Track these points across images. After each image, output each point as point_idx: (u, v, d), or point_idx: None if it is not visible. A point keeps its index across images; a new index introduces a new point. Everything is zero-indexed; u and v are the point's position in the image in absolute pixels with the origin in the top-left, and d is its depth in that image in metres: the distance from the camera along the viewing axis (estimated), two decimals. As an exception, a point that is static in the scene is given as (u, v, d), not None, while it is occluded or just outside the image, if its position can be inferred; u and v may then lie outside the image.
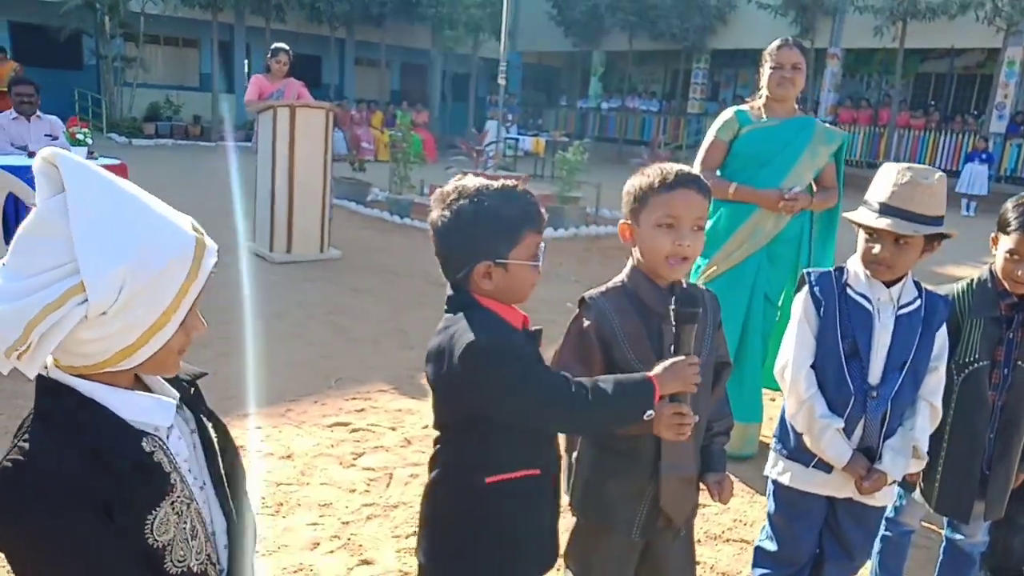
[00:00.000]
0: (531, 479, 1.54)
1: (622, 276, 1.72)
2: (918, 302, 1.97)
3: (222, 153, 15.75)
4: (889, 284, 1.94)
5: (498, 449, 1.51)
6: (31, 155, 5.22)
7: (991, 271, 2.13)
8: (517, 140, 15.51)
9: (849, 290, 1.97)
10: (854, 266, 1.99)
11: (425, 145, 18.26)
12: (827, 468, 1.96)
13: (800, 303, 2.03)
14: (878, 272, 1.92)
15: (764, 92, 3.57)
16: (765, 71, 3.53)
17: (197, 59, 21.23)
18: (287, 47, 7.12)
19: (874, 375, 1.94)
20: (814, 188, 3.70)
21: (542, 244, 1.50)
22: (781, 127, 3.56)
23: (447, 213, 1.45)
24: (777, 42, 3.56)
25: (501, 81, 10.34)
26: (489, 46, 22.60)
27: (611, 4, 21.06)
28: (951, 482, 2.16)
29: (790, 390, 1.99)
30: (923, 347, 1.94)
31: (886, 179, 1.91)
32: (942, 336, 1.98)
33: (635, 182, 1.69)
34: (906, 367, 1.93)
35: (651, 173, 1.67)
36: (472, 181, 1.48)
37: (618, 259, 1.72)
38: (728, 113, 3.69)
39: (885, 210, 1.89)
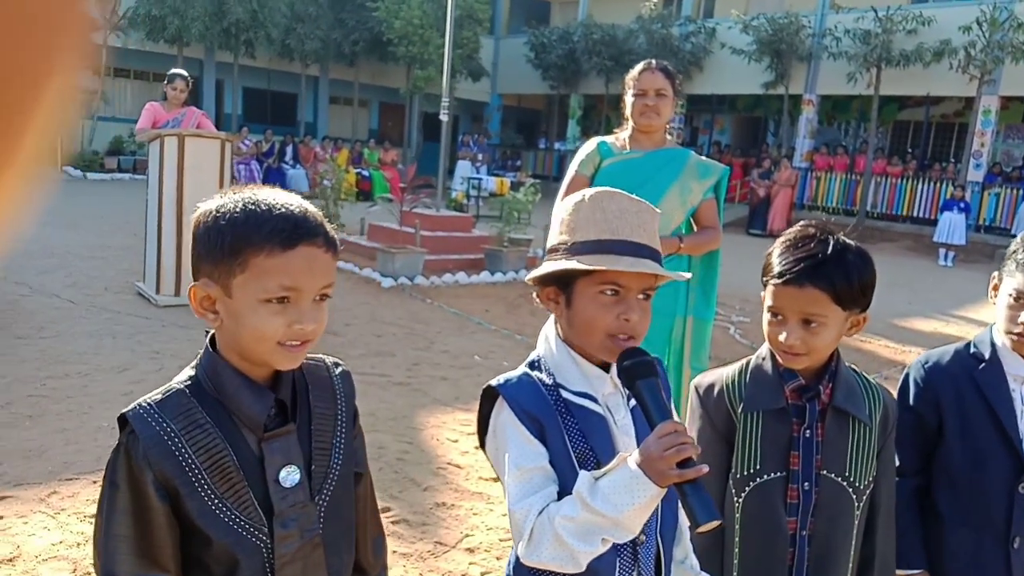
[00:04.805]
0: None
1: (191, 370, 1.11)
2: None
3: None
4: (608, 367, 1.30)
5: None
6: None
7: (770, 348, 1.56)
8: (480, 180, 15.07)
9: (564, 392, 1.28)
10: (551, 353, 1.32)
11: (392, 183, 17.91)
12: None
13: (503, 432, 1.27)
14: (616, 349, 1.25)
15: (629, 122, 3.13)
16: (628, 99, 3.10)
17: (168, 94, 20.94)
18: (185, 73, 6.66)
19: None
20: (694, 228, 3.22)
21: None
22: (644, 160, 3.11)
23: None
24: (640, 66, 3.14)
25: (443, 117, 9.88)
26: (465, 87, 22.41)
27: (587, 49, 20.91)
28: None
29: (519, 535, 1.21)
30: None
31: (583, 208, 1.29)
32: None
33: (219, 227, 1.05)
34: None
35: (253, 213, 1.04)
36: None
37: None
38: (591, 145, 3.27)
39: (618, 247, 1.24)
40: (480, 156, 19.69)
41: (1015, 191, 15.75)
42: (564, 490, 1.24)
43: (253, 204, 1.05)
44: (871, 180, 17.26)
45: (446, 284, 8.25)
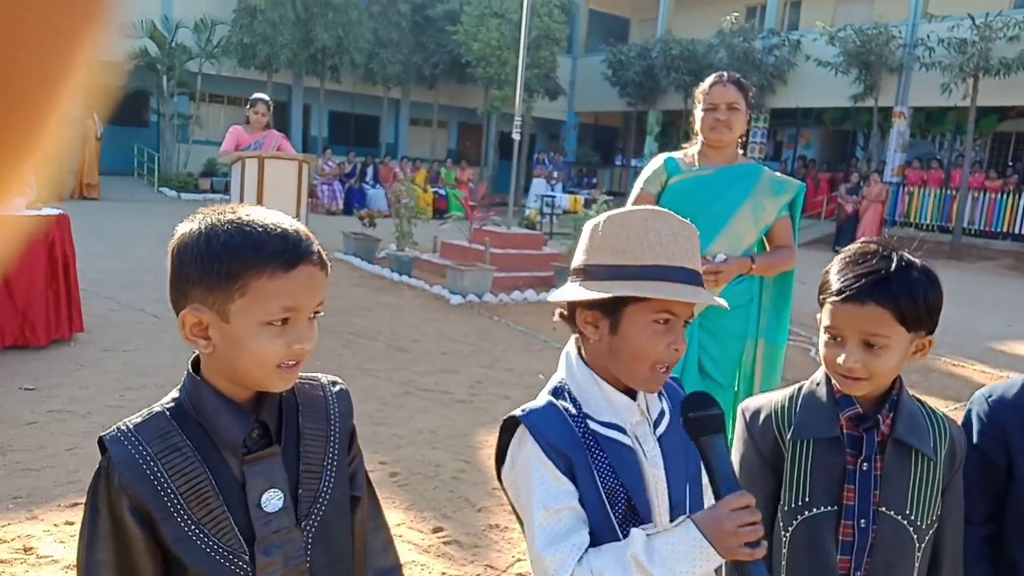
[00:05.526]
0: None
1: (176, 392, 1.09)
2: (665, 404, 1.31)
3: (267, 208, 16.02)
4: (635, 394, 1.27)
5: None
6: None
7: (827, 374, 1.45)
8: (554, 198, 15.06)
9: (592, 423, 1.22)
10: (575, 380, 1.26)
11: (467, 202, 18.13)
12: None
13: (526, 467, 1.20)
14: (660, 380, 1.23)
15: (699, 137, 3.00)
16: (698, 113, 2.97)
17: (258, 118, 21.88)
18: (266, 97, 6.91)
19: None
20: (767, 247, 3.08)
21: None
22: (714, 177, 2.97)
23: None
24: (711, 79, 3.01)
25: (515, 136, 9.92)
26: (542, 106, 22.50)
27: (666, 65, 20.66)
28: None
29: None
30: (697, 466, 1.28)
31: (634, 229, 1.24)
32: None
33: (213, 250, 1.00)
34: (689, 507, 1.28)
35: (250, 235, 1.00)
36: None
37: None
38: (657, 161, 3.14)
39: (676, 275, 1.21)
40: (555, 174, 19.71)
41: None
42: (592, 531, 1.18)
43: (248, 225, 1.01)
44: (968, 195, 16.32)
45: (514, 301, 8.23)
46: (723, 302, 1.28)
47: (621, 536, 1.20)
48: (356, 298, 7.82)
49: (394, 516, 3.21)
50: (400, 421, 4.38)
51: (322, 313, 1.09)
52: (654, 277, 1.20)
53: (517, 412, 1.24)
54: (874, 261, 1.35)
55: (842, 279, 1.35)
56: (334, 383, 1.22)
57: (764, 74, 19.27)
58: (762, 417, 1.47)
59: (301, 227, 1.07)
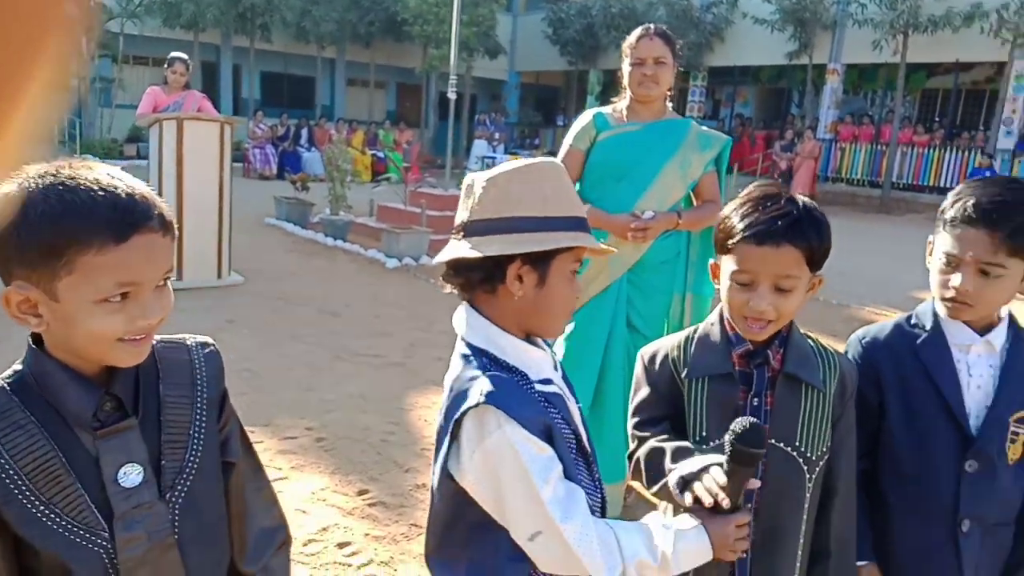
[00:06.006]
0: None
1: (19, 365, 1.00)
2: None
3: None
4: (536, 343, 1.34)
5: None
6: None
7: (721, 315, 1.45)
8: (495, 159, 14.94)
9: (537, 385, 1.24)
10: (497, 345, 1.23)
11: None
12: None
13: (509, 451, 1.14)
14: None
15: (627, 92, 2.95)
16: (625, 68, 2.92)
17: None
18: (185, 56, 6.61)
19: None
20: (694, 202, 3.09)
21: None
22: (643, 132, 2.94)
23: None
24: (637, 32, 2.95)
25: (451, 95, 9.77)
26: (482, 65, 22.19)
27: (606, 23, 20.53)
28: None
29: (586, 556, 1.16)
30: None
31: (550, 180, 1.25)
32: None
33: (30, 221, 0.88)
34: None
35: (72, 204, 0.88)
36: None
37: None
38: (586, 117, 3.08)
39: (586, 224, 1.30)
40: (497, 135, 19.53)
41: (1049, 159, 15.21)
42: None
43: (69, 191, 0.88)
44: (897, 150, 16.77)
45: (453, 264, 8.17)
46: (614, 250, 1.46)
47: (575, 471, 1.23)
48: (287, 264, 7.65)
49: (318, 481, 3.18)
50: (329, 386, 4.32)
51: (172, 278, 1.02)
52: (578, 228, 1.23)
53: (482, 399, 1.14)
54: (782, 203, 1.35)
55: (755, 223, 1.34)
56: (204, 345, 1.15)
57: (702, 32, 19.35)
58: (659, 359, 1.47)
59: (140, 187, 0.96)
